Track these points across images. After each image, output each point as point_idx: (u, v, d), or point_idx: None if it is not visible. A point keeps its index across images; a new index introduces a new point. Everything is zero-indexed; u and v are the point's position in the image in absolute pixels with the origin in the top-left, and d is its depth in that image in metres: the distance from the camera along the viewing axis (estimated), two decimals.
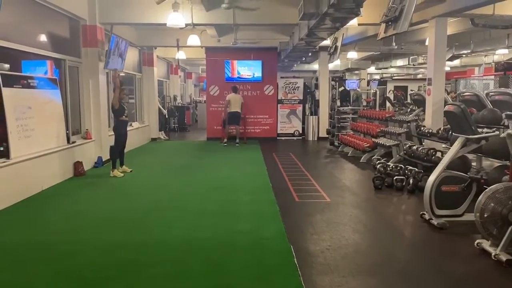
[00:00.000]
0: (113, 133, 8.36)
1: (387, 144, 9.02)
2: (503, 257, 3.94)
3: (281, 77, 15.44)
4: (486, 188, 4.33)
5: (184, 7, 8.54)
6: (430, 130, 8.04)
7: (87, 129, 8.86)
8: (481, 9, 7.63)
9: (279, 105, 14.94)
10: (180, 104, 19.33)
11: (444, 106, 6.20)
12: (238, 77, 14.42)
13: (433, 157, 7.12)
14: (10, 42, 6.35)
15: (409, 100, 11.50)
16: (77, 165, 8.03)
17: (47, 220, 5.42)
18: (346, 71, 20.51)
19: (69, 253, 4.25)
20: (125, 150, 8.44)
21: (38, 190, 6.70)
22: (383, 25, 7.27)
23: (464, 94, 7.65)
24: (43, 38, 7.53)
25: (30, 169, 6.48)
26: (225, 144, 12.79)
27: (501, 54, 14.74)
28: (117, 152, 8.22)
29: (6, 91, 5.98)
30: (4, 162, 5.91)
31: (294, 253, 4.18)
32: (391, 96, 15.18)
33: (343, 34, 11.12)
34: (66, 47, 8.24)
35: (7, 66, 6.84)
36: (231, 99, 12.93)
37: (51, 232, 4.95)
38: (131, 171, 8.38)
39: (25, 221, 5.34)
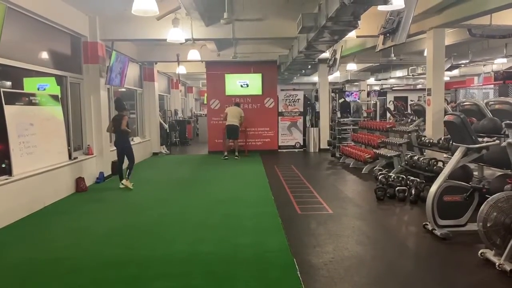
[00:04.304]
0: (114, 148, 8.39)
1: (388, 155, 9.02)
2: (507, 267, 3.91)
3: (281, 90, 15.52)
4: (488, 198, 4.32)
5: (184, 22, 8.63)
6: (431, 140, 8.07)
7: (88, 145, 8.89)
8: (478, 20, 7.69)
9: (279, 117, 14.98)
10: (181, 118, 19.41)
11: (444, 116, 6.22)
12: None
13: (435, 167, 7.13)
14: (12, 60, 6.41)
15: (409, 111, 11.54)
16: (79, 181, 8.05)
17: (50, 236, 5.41)
18: (346, 83, 20.61)
19: (72, 269, 4.24)
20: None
21: (41, 207, 6.71)
22: (382, 37, 7.37)
23: (464, 103, 7.67)
24: (44, 55, 7.60)
25: (33, 186, 6.50)
26: (226, 158, 12.76)
27: (499, 63, 14.83)
28: (121, 164, 8.31)
29: (8, 109, 6.04)
30: (7, 179, 5.93)
31: (297, 266, 4.17)
32: (391, 107, 15.24)
33: (342, 46, 11.23)
34: (67, 64, 8.32)
35: (9, 83, 6.90)
36: (229, 111, 12.93)
37: (54, 248, 4.93)
38: (132, 184, 8.37)
39: (27, 237, 5.34)
